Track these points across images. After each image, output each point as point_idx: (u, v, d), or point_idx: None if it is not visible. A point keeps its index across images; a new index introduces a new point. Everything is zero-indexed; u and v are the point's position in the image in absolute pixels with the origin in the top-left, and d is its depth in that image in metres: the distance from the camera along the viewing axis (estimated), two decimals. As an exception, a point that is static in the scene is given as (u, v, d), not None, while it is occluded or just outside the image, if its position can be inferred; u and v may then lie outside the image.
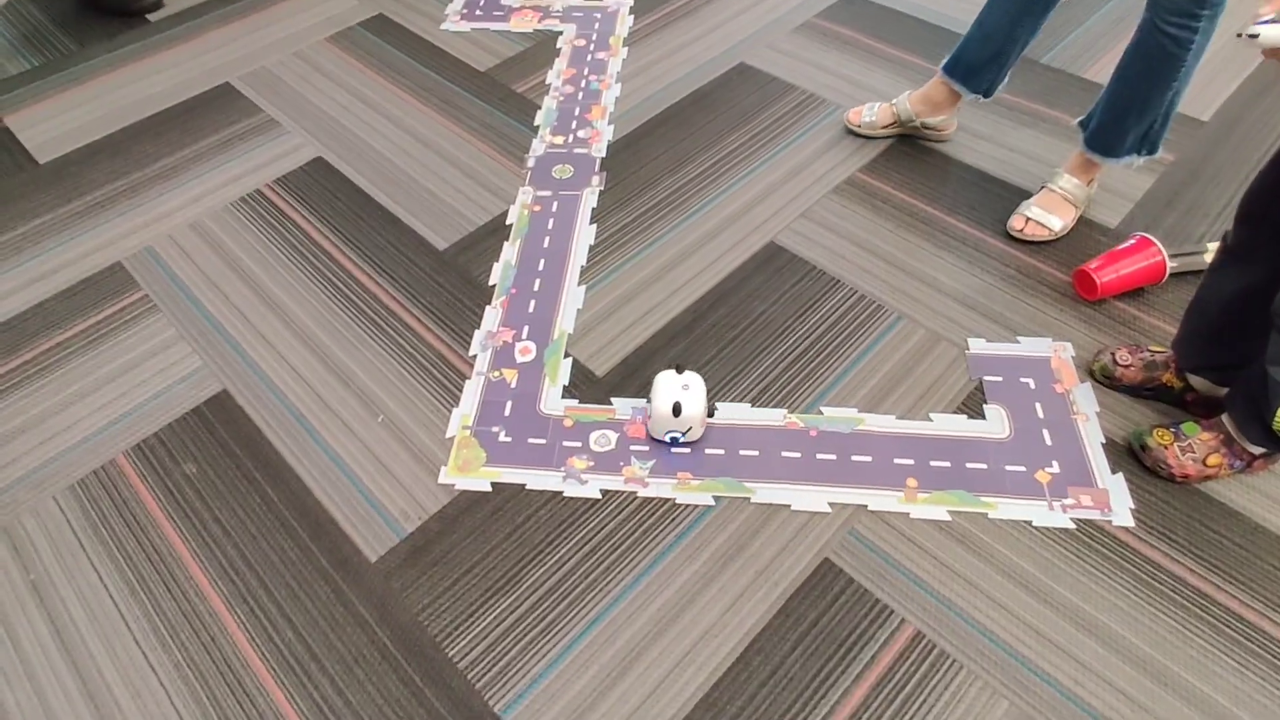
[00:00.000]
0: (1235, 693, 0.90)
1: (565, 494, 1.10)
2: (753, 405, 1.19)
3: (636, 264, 1.40)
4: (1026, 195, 1.42)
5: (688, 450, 1.14)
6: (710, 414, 1.16)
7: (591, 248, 1.43)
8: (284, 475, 1.14)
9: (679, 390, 1.10)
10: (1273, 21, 0.69)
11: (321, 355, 1.28)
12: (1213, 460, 1.05)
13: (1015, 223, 1.40)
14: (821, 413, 1.18)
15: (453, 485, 1.12)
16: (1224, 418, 1.06)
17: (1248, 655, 0.93)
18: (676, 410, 1.09)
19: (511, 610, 1.00)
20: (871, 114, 1.59)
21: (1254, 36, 0.71)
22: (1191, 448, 1.06)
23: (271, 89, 1.81)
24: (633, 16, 1.96)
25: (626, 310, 1.33)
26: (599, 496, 1.10)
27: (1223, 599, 0.98)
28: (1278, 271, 0.94)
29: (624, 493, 1.10)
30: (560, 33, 1.93)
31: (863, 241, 1.41)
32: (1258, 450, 1.03)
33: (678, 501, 1.09)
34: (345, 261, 1.42)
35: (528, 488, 1.11)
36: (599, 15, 1.97)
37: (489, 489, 1.11)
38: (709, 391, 1.15)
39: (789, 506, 1.08)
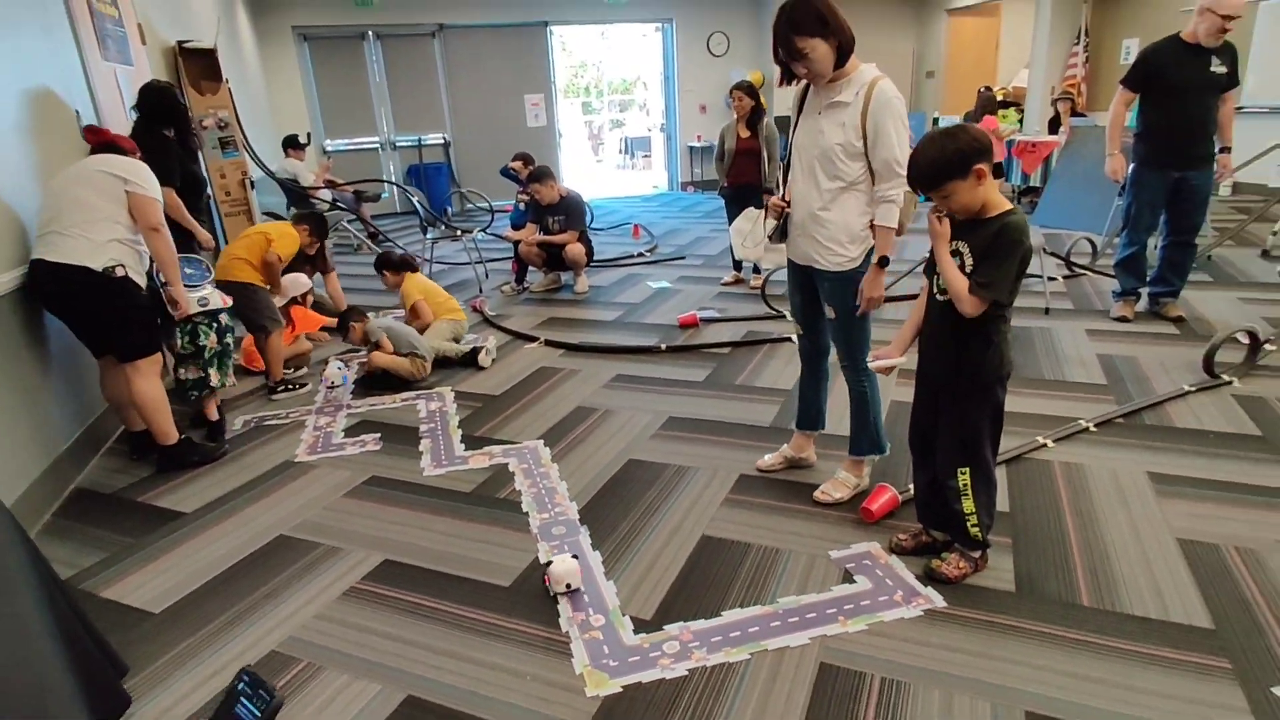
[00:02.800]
0: (1038, 661, 1.83)
1: (666, 678, 1.80)
2: (742, 607, 2.03)
3: (634, 564, 2.25)
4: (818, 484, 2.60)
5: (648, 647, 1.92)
6: (569, 588, 2.08)
7: (603, 561, 2.27)
8: (485, 723, 1.68)
9: (556, 559, 2.11)
10: (875, 360, 1.98)
11: (469, 659, 1.89)
12: (962, 565, 2.11)
13: (816, 494, 2.55)
14: (778, 601, 2.05)
15: (598, 695, 1.76)
16: (955, 544, 2.15)
17: (1043, 642, 1.88)
18: (548, 564, 2.09)
19: (674, 736, 1.63)
20: (771, 459, 2.76)
21: (870, 364, 1.99)
22: (949, 563, 2.11)
23: (319, 531, 2.50)
24: (549, 449, 3.05)
25: (644, 586, 2.14)
26: (686, 673, 1.81)
27: (1008, 622, 1.94)
28: (936, 468, 2.13)
29: (698, 666, 1.83)
30: (507, 463, 2.94)
31: (754, 523, 2.44)
32: (976, 554, 2.12)
33: (729, 661, 1.84)
34: (448, 608, 2.08)
35: (642, 682, 1.79)
36: (527, 450, 3.04)
37: (620, 689, 1.77)
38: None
39: (789, 646, 1.89)
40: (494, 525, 2.50)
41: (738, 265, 5.60)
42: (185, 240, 3.56)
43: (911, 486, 2.35)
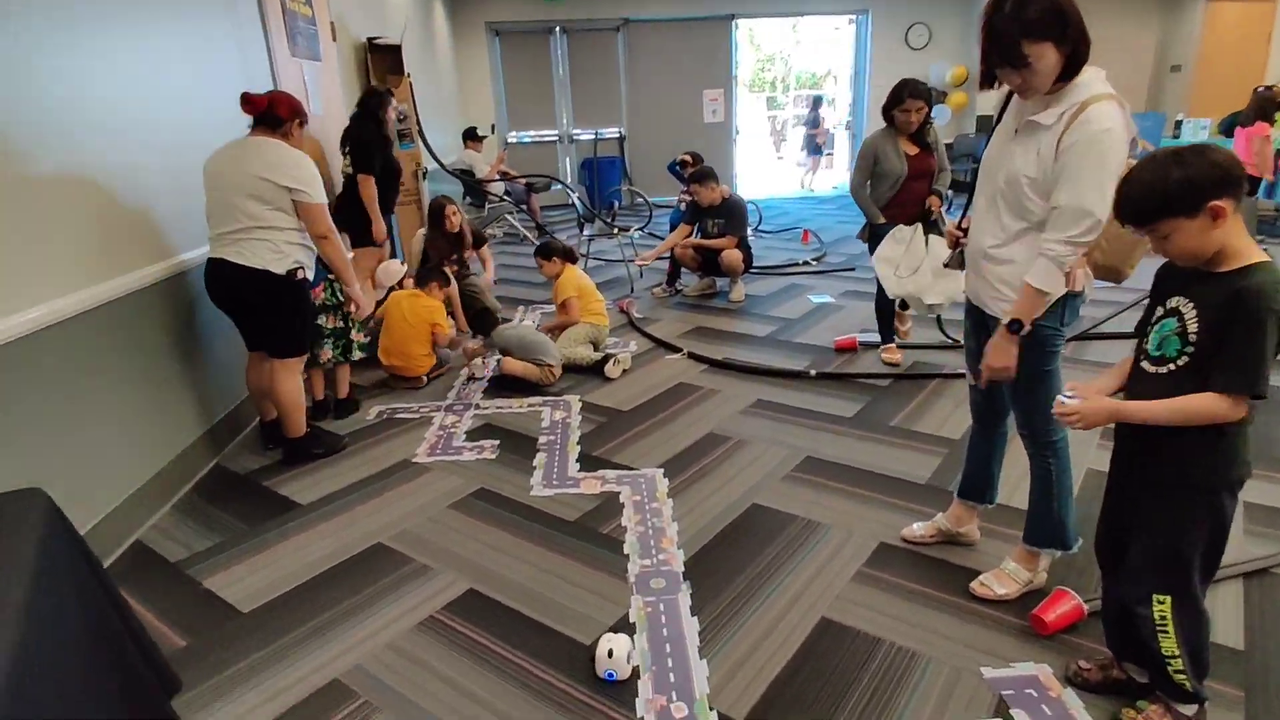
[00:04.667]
0: None
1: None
2: (857, 727, 1.65)
3: (736, 641, 1.93)
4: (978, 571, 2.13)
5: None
6: (636, 674, 1.81)
7: (700, 633, 1.96)
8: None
9: (611, 639, 1.82)
10: (1072, 398, 1.48)
11: (526, 730, 1.67)
12: (1166, 723, 1.59)
13: (973, 586, 2.07)
14: (906, 727, 1.65)
15: (662, 813, 1.46)
16: (1159, 692, 1.62)
17: None
18: (610, 654, 1.79)
19: None
20: (921, 529, 2.32)
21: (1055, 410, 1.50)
22: (1149, 717, 1.60)
23: (417, 544, 2.40)
24: (667, 480, 2.78)
25: (742, 674, 1.82)
26: (774, 806, 1.47)
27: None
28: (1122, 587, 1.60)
29: (791, 801, 1.48)
30: (619, 492, 2.70)
31: (889, 611, 2.02)
32: (1189, 709, 1.58)
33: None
34: (519, 660, 1.88)
35: (719, 807, 1.47)
36: (642, 479, 2.78)
37: (690, 812, 1.46)
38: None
39: (911, 794, 1.49)
40: (590, 566, 2.27)
41: (901, 304, 4.04)
42: (365, 227, 4.13)
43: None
